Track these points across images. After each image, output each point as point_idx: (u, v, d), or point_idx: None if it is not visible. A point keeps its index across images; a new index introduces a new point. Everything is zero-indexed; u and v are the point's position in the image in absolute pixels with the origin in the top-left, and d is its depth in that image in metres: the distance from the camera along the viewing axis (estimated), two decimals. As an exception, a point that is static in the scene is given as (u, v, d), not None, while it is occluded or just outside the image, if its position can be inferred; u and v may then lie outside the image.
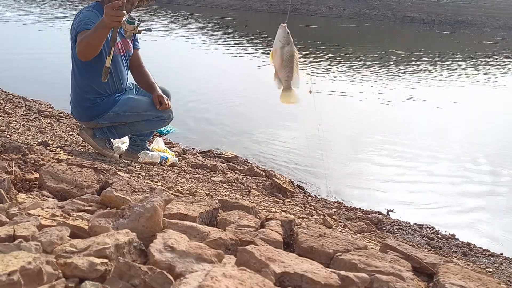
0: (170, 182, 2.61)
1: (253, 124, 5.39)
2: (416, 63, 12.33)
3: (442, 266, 1.62)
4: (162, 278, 1.05)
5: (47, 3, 22.88)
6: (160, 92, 2.95)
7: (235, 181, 3.10)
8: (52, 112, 4.48)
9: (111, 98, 2.89)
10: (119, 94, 2.95)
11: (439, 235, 2.81)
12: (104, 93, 2.88)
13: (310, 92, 2.63)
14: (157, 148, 3.36)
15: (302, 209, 2.76)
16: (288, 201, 2.91)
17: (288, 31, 2.17)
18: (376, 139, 5.11)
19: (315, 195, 3.37)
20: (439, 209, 3.42)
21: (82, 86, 2.86)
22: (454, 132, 5.95)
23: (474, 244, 2.71)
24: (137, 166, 2.90)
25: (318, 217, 2.57)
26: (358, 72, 10.07)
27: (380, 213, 3.12)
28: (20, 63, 7.70)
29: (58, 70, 7.47)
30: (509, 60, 15.14)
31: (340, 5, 32.79)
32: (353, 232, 2.42)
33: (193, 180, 2.90)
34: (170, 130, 4.59)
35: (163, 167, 3.07)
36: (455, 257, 2.36)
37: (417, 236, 2.75)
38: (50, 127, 3.78)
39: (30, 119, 3.93)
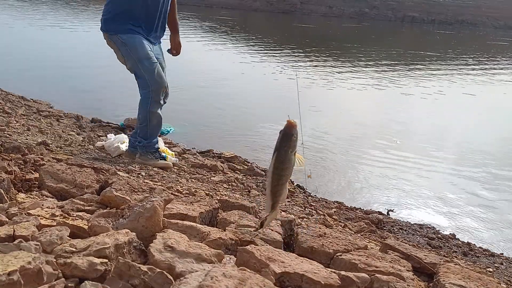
0: (170, 182, 2.60)
1: (254, 124, 5.39)
2: (417, 63, 12.33)
3: (442, 266, 1.62)
4: (162, 278, 1.05)
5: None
6: (179, 39, 3.21)
7: (235, 181, 3.09)
8: (52, 112, 4.47)
9: (127, 27, 2.90)
10: (142, 30, 2.95)
11: (439, 235, 2.81)
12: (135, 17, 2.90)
13: (310, 177, 2.12)
14: (157, 148, 3.35)
15: (302, 209, 2.76)
16: (288, 201, 2.91)
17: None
18: (377, 139, 5.10)
19: (315, 195, 3.37)
20: (439, 209, 3.42)
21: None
22: (455, 131, 5.95)
23: (474, 244, 2.70)
24: (137, 166, 2.90)
25: (318, 217, 2.57)
26: (359, 72, 10.07)
27: (380, 213, 3.12)
28: (20, 63, 7.70)
29: (59, 69, 7.48)
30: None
31: (340, 4, 32.80)
32: (353, 232, 2.42)
33: (193, 180, 2.89)
34: (170, 130, 4.59)
35: (163, 167, 3.07)
36: (456, 257, 2.36)
37: (417, 236, 2.75)
38: (49, 127, 3.77)
39: (29, 119, 3.93)
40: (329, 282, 1.24)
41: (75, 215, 1.48)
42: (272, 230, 1.71)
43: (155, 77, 2.90)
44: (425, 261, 1.72)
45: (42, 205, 1.51)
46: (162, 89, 2.96)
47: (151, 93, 2.90)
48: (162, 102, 2.99)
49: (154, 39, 3.07)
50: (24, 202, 1.56)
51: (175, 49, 3.23)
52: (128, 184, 2.00)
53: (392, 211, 3.21)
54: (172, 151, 3.54)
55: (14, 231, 1.17)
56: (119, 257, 1.10)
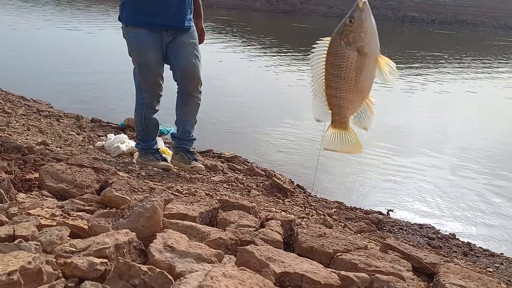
0: (170, 182, 2.61)
1: (254, 124, 5.39)
2: (417, 62, 12.34)
3: (442, 266, 1.62)
4: (162, 278, 1.05)
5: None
6: (202, 25, 2.91)
7: (235, 181, 3.09)
8: (52, 112, 4.47)
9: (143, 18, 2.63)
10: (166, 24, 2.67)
11: (439, 235, 2.81)
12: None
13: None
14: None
15: (302, 209, 2.76)
16: (288, 201, 2.91)
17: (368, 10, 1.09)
18: (376, 138, 5.10)
19: (315, 195, 3.37)
20: (439, 209, 3.42)
21: None
22: (455, 132, 5.95)
23: (474, 244, 2.70)
24: (137, 166, 2.90)
25: (318, 217, 2.57)
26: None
27: (380, 213, 3.12)
28: (20, 63, 7.70)
29: (59, 69, 7.48)
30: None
31: (340, 4, 32.80)
32: (353, 232, 2.42)
33: (193, 180, 2.89)
34: (170, 130, 4.59)
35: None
36: (455, 257, 2.36)
37: (417, 236, 2.75)
38: (49, 127, 3.77)
39: (29, 119, 3.93)
40: (329, 282, 1.24)
41: (75, 215, 1.48)
42: (272, 230, 1.71)
43: (150, 87, 2.80)
44: (425, 261, 1.72)
45: (42, 205, 1.51)
46: (156, 98, 2.86)
47: (146, 99, 2.84)
48: (157, 108, 2.91)
49: (174, 21, 2.70)
50: (24, 202, 1.56)
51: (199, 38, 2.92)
52: (128, 184, 2.01)
53: (392, 211, 3.21)
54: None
55: (14, 231, 1.17)
56: (119, 257, 1.10)
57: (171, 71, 2.85)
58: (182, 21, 2.71)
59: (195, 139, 3.03)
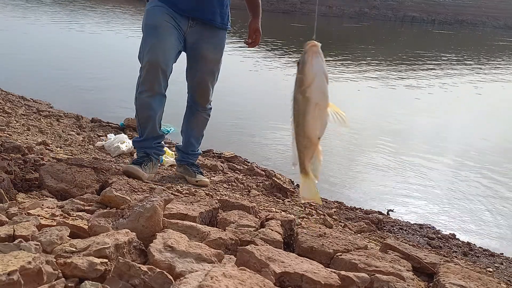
0: (169, 182, 2.61)
1: (254, 124, 5.39)
2: (417, 62, 12.34)
3: (442, 266, 1.62)
4: (162, 278, 1.05)
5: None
6: (259, 25, 2.53)
7: (235, 181, 3.09)
8: (52, 112, 4.47)
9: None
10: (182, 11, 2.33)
11: (439, 235, 2.81)
12: None
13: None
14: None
15: (302, 209, 2.76)
16: (288, 201, 2.91)
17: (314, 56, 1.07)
18: (377, 138, 5.10)
19: (315, 195, 3.37)
20: (439, 209, 3.42)
21: None
22: (454, 132, 5.95)
23: (474, 244, 2.71)
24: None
25: (318, 217, 2.56)
26: (359, 71, 10.06)
27: (380, 213, 3.12)
28: (20, 63, 7.70)
29: (59, 69, 7.48)
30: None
31: (340, 4, 32.85)
32: (353, 232, 2.42)
33: (193, 180, 2.89)
34: (170, 130, 4.59)
35: (163, 167, 3.07)
36: (455, 257, 2.36)
37: (417, 236, 2.75)
38: (49, 127, 3.77)
39: (29, 119, 3.93)
40: (329, 282, 1.24)
41: (75, 215, 1.48)
42: (272, 230, 1.71)
43: (148, 49, 2.26)
44: (425, 261, 1.72)
45: (42, 205, 1.51)
46: (153, 70, 2.27)
47: (140, 71, 2.33)
48: (158, 90, 2.36)
49: (194, 10, 2.35)
50: (24, 202, 1.56)
51: (250, 37, 2.57)
52: (128, 184, 2.01)
53: (392, 211, 3.21)
54: (172, 151, 3.54)
55: (14, 231, 1.17)
56: (119, 257, 1.10)
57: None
58: (202, 11, 2.37)
59: (200, 153, 2.91)
